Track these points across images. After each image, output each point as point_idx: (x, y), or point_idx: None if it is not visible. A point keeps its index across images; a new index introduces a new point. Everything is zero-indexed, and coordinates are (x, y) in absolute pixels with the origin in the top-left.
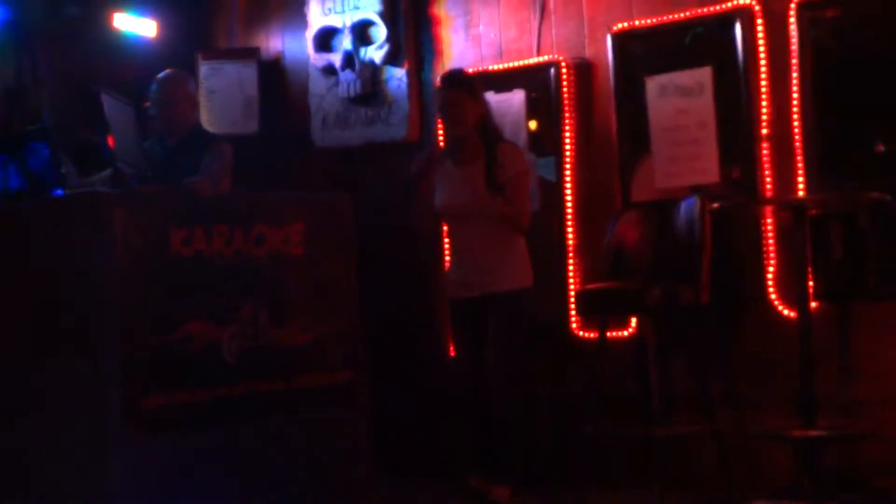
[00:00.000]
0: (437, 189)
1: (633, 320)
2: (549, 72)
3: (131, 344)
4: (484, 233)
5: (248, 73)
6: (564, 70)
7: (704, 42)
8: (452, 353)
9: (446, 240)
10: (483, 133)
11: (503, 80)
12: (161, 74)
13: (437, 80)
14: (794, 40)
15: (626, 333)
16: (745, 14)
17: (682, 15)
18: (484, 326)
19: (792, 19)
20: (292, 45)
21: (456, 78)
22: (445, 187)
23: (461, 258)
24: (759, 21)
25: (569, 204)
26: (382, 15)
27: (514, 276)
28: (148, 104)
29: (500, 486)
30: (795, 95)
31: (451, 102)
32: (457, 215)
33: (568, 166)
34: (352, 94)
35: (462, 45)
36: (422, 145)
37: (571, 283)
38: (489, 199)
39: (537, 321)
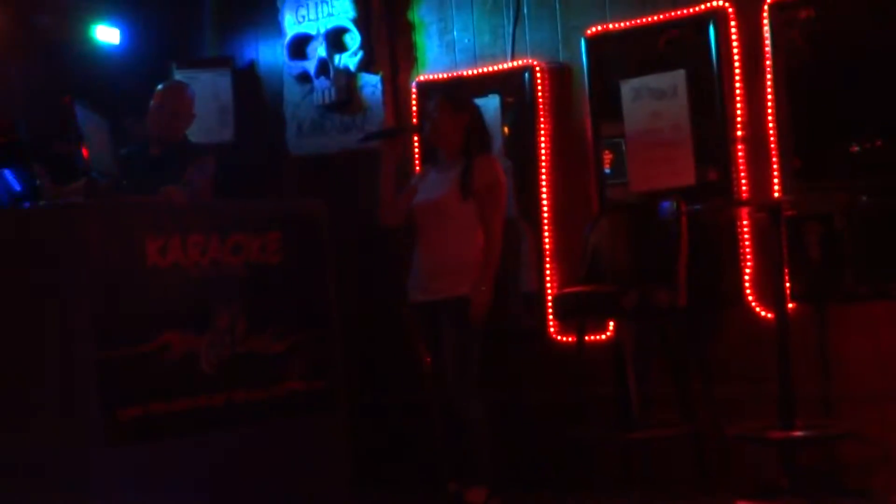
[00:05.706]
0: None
1: (611, 324)
2: (523, 76)
3: (108, 354)
4: (445, 237)
5: (222, 82)
6: (539, 74)
7: (678, 44)
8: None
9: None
10: (465, 142)
11: (478, 86)
12: (170, 82)
13: (413, 86)
14: (768, 41)
15: (603, 337)
16: (719, 16)
17: (655, 18)
18: (440, 331)
19: (765, 21)
20: (266, 53)
21: (442, 89)
22: (423, 189)
23: (420, 262)
24: (733, 23)
25: (545, 208)
26: (356, 21)
27: (466, 282)
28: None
29: (475, 488)
30: (770, 97)
31: (429, 111)
32: (425, 212)
33: (543, 171)
34: (327, 101)
35: (436, 51)
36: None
37: (549, 288)
38: (459, 201)
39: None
